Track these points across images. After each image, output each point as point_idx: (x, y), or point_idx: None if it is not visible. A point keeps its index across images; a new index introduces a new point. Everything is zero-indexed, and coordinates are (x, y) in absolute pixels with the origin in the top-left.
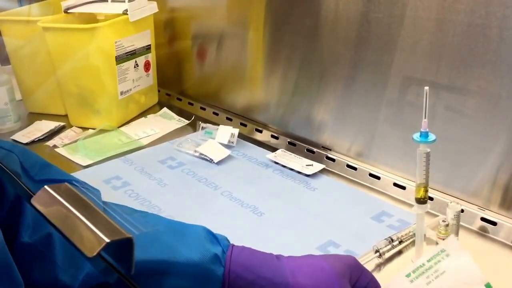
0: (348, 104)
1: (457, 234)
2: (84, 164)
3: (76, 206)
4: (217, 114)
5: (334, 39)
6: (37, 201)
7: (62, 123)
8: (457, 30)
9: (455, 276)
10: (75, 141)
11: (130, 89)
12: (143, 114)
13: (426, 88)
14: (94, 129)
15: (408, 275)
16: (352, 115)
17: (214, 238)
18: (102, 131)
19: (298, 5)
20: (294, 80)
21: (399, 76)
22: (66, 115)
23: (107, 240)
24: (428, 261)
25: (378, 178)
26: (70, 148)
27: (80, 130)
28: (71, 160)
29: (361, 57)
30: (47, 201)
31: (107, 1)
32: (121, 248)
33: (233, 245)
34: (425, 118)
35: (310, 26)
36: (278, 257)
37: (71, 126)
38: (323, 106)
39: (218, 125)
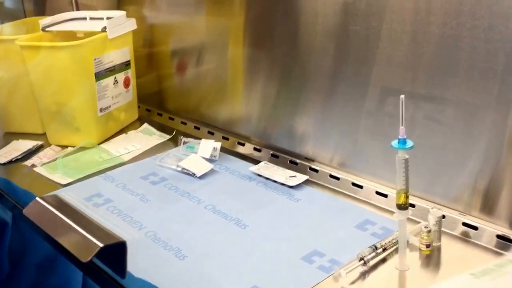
0: (329, 115)
1: (439, 239)
2: (64, 182)
3: (67, 215)
4: (198, 128)
5: (314, 52)
6: (29, 212)
7: (40, 142)
8: (431, 42)
9: None
10: (54, 160)
11: (110, 106)
12: (124, 130)
13: (402, 96)
14: (73, 147)
15: (472, 274)
16: (334, 126)
17: None
18: (82, 148)
19: (277, 18)
20: (275, 93)
21: (377, 87)
22: (44, 134)
23: (101, 245)
24: (494, 265)
25: (361, 187)
26: (49, 167)
27: (59, 148)
28: (50, 179)
29: (340, 69)
30: (39, 211)
31: (86, 18)
32: (115, 253)
33: None
34: (402, 125)
35: (289, 39)
36: None
37: (50, 145)
38: (304, 118)
39: (200, 139)
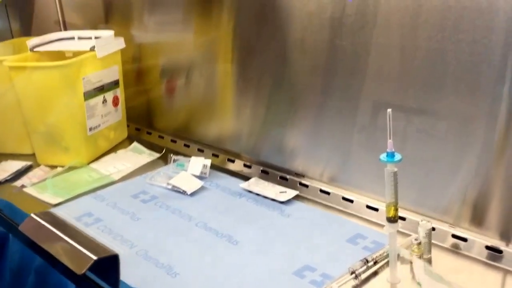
0: (320, 131)
1: (429, 252)
2: (54, 202)
3: (62, 230)
4: (188, 146)
5: (303, 67)
6: (25, 228)
7: (29, 163)
8: (418, 55)
9: None
10: (44, 180)
11: (99, 125)
12: (113, 149)
13: (389, 110)
14: (62, 167)
15: None
16: (324, 141)
17: None
18: (71, 168)
19: (265, 35)
20: (265, 109)
21: (369, 101)
22: (33, 154)
23: (95, 258)
24: None
25: (351, 201)
26: (39, 187)
27: (48, 168)
28: (40, 199)
29: (330, 84)
30: (34, 227)
31: (74, 38)
32: (108, 265)
33: None
34: (390, 138)
35: (278, 55)
36: None
37: (39, 165)
38: (294, 134)
39: (190, 157)
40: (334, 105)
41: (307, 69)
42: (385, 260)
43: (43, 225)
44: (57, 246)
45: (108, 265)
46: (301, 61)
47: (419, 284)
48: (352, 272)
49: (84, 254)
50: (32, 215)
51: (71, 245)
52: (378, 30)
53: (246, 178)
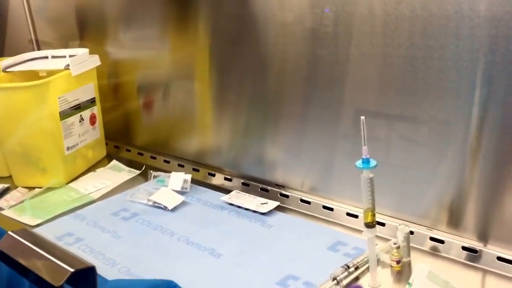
0: (300, 141)
1: (409, 255)
2: (33, 224)
3: (39, 246)
4: (168, 162)
5: (283, 79)
6: (3, 246)
7: (6, 185)
8: (389, 63)
9: None
10: (22, 202)
11: (77, 144)
12: (92, 168)
13: (362, 117)
14: (40, 187)
15: None
16: (305, 151)
17: None
18: (50, 189)
19: (243, 48)
20: (245, 122)
21: (350, 110)
22: (10, 176)
23: (71, 270)
24: None
25: (332, 209)
26: (17, 209)
27: (26, 190)
28: (19, 221)
29: (312, 94)
30: (12, 244)
31: (48, 57)
32: (85, 278)
33: None
34: (364, 145)
35: (257, 67)
36: None
37: (16, 187)
38: (275, 145)
39: (170, 172)
40: (314, 115)
41: (287, 80)
42: (366, 265)
43: (20, 241)
44: (35, 261)
45: (86, 277)
46: (281, 72)
47: (409, 284)
48: (334, 279)
49: (61, 266)
50: (10, 232)
51: (48, 258)
52: (354, 39)
53: (227, 191)
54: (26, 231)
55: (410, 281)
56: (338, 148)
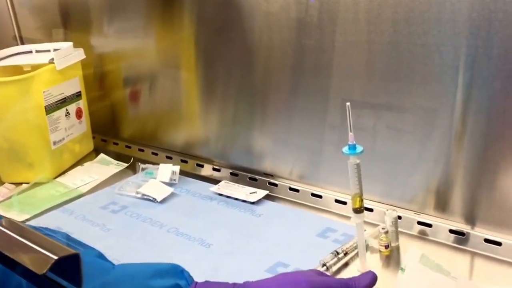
0: (288, 130)
1: (397, 239)
2: (21, 219)
3: (21, 234)
4: (156, 154)
5: (270, 68)
6: None
7: None
8: (373, 50)
9: None
10: (9, 198)
11: (63, 138)
12: (79, 162)
13: (348, 103)
14: (28, 183)
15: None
16: (292, 140)
17: (180, 272)
18: (37, 184)
19: (228, 38)
20: (232, 112)
21: (337, 100)
22: None
23: (55, 257)
24: None
25: (320, 197)
26: (4, 205)
27: (13, 186)
28: (7, 218)
29: (298, 83)
30: None
31: (32, 52)
32: (69, 265)
33: (196, 282)
34: (350, 131)
35: (243, 57)
36: (245, 284)
37: (3, 183)
38: (263, 134)
39: (158, 164)
40: (302, 104)
41: (274, 69)
42: (355, 251)
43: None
44: (17, 250)
45: (70, 265)
46: (267, 61)
47: (402, 269)
48: (324, 265)
49: (44, 255)
50: None
51: (31, 247)
52: (338, 27)
53: (216, 181)
54: (8, 221)
55: (402, 266)
56: (326, 137)
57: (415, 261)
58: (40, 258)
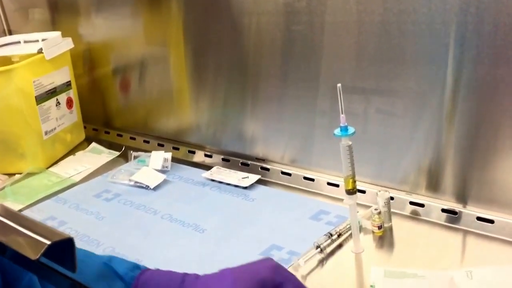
0: (279, 114)
1: (390, 220)
2: (15, 209)
3: (13, 220)
4: (148, 142)
5: (259, 54)
6: None
7: None
8: (363, 30)
9: None
10: (3, 188)
11: (55, 128)
12: (72, 152)
13: (339, 85)
14: (20, 173)
15: None
16: (284, 125)
17: (114, 275)
18: (30, 174)
19: (218, 24)
20: (223, 98)
21: (328, 82)
22: None
23: (48, 242)
24: None
25: (312, 180)
26: None
27: (6, 176)
28: None
29: (288, 67)
30: None
31: (20, 42)
32: (63, 250)
33: (140, 275)
34: (342, 113)
35: (232, 43)
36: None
37: None
38: (254, 119)
39: (150, 152)
40: (292, 88)
41: (264, 56)
42: (348, 232)
43: None
44: (9, 235)
45: (64, 249)
46: (257, 46)
47: (372, 286)
48: (318, 247)
49: (37, 240)
50: None
51: (24, 233)
52: (328, 7)
53: (208, 168)
54: (1, 206)
55: (371, 284)
56: (317, 121)
57: (381, 278)
58: (33, 243)
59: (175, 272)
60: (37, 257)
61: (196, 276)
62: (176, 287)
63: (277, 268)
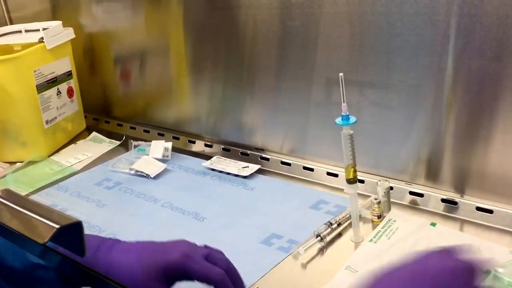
0: (278, 104)
1: (389, 209)
2: None
3: (20, 205)
4: (148, 132)
5: (257, 45)
6: None
7: None
8: (364, 21)
9: (406, 228)
10: (4, 176)
11: (56, 117)
12: (72, 141)
13: (341, 74)
14: (21, 162)
15: (371, 240)
16: (283, 115)
17: None
18: (31, 162)
19: (216, 17)
20: (222, 88)
21: (323, 78)
22: None
23: (57, 226)
24: (383, 227)
25: (312, 170)
26: None
27: (7, 165)
28: (5, 188)
29: (285, 61)
30: None
31: (21, 31)
32: (72, 234)
33: None
34: (343, 102)
35: (230, 35)
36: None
37: None
38: (253, 110)
39: (151, 141)
40: (290, 77)
41: (262, 48)
42: (348, 222)
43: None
44: (17, 220)
45: (72, 233)
46: (255, 39)
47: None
48: (318, 235)
49: (46, 224)
50: None
51: (32, 217)
52: (326, 0)
53: (208, 157)
54: (7, 191)
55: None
56: (312, 111)
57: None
58: (41, 228)
59: (94, 237)
60: (45, 241)
61: (112, 244)
62: (90, 255)
63: (188, 255)
